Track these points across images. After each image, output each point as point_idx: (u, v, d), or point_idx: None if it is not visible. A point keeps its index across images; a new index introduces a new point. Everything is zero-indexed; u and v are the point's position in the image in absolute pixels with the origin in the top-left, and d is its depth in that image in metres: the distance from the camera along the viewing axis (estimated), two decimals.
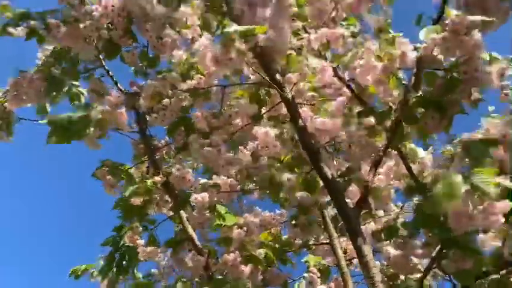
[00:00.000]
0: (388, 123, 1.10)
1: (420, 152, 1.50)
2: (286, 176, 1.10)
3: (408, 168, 1.19)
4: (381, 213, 1.59)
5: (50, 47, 1.69)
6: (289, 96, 1.09)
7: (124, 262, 1.56)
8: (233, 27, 1.04)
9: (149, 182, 1.37)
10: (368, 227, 1.43)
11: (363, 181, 1.06)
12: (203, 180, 1.46)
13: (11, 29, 1.53)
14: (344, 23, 1.49)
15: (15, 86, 1.61)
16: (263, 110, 1.22)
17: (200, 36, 1.22)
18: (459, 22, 0.96)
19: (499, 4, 1.13)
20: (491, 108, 1.52)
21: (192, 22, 1.26)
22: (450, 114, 1.09)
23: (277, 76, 1.15)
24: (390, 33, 1.08)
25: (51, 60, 1.70)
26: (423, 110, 1.09)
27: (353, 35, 1.38)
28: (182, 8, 1.29)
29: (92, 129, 1.49)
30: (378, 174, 1.31)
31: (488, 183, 0.90)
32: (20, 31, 1.54)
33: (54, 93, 1.67)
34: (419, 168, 1.44)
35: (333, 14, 1.37)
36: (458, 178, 0.90)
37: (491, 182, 0.91)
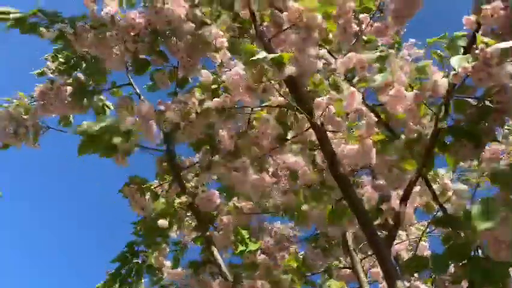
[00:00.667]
0: (417, 150, 1.10)
1: (440, 172, 1.48)
2: (315, 209, 1.10)
3: (435, 197, 1.17)
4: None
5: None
6: (318, 122, 1.10)
7: (129, 279, 1.59)
8: (263, 54, 1.07)
9: (176, 203, 1.39)
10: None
11: (395, 212, 1.06)
12: (229, 203, 1.48)
13: (42, 29, 1.60)
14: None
15: (43, 95, 1.67)
16: (290, 134, 1.23)
17: (230, 59, 1.25)
18: (490, 53, 0.96)
19: None
20: None
21: (220, 45, 1.30)
22: (482, 143, 1.08)
23: (306, 101, 1.16)
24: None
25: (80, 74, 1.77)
26: (454, 138, 1.09)
27: (379, 58, 1.40)
28: (213, 29, 1.33)
29: (120, 140, 1.53)
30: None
31: None
32: (49, 33, 1.62)
33: (81, 104, 1.72)
34: (441, 189, 1.42)
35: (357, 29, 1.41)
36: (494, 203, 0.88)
37: None
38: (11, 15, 1.65)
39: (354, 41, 1.50)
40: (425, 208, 1.61)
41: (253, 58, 1.07)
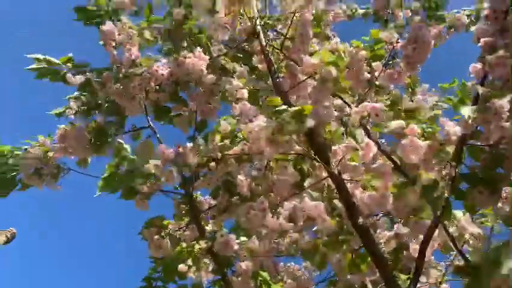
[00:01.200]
0: (434, 198, 1.13)
1: (457, 214, 1.50)
2: (335, 257, 1.13)
3: (453, 242, 1.19)
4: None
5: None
6: (336, 171, 1.15)
7: None
8: (284, 107, 1.14)
9: (196, 248, 1.43)
10: None
11: (416, 262, 1.08)
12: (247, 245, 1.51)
13: (69, 76, 1.71)
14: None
15: (63, 138, 1.75)
16: (307, 181, 1.28)
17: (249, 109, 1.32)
18: (499, 105, 1.01)
19: None
20: None
21: (240, 95, 1.38)
22: (499, 189, 1.11)
23: (322, 149, 1.22)
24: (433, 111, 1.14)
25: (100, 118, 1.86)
26: (470, 185, 1.12)
27: (392, 105, 1.47)
28: (234, 81, 1.42)
29: (140, 182, 1.59)
30: None
31: None
32: (75, 80, 1.72)
33: (101, 147, 1.80)
34: (458, 232, 1.43)
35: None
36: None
37: None
38: (43, 65, 1.78)
39: (367, 89, 1.57)
40: (443, 249, 1.61)
41: (276, 110, 1.14)
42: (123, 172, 1.65)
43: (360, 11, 2.17)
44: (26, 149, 1.67)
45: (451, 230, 1.40)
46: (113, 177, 1.64)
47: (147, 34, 1.69)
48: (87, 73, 1.76)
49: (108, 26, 1.61)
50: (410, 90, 1.91)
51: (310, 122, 1.10)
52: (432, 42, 1.38)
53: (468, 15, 1.95)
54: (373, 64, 1.48)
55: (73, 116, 1.86)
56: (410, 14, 1.35)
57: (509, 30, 1.20)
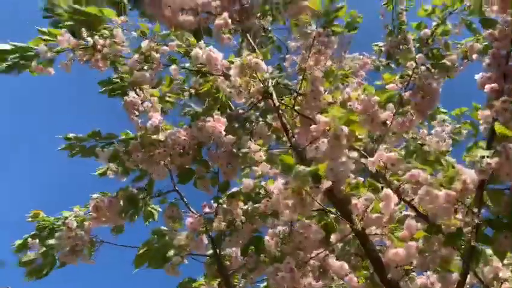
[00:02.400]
0: (460, 246, 1.15)
1: (488, 252, 1.48)
2: None
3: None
4: None
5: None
6: (359, 225, 1.20)
7: None
8: (300, 167, 1.21)
9: None
10: None
11: None
12: None
13: (98, 150, 1.84)
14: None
15: (96, 208, 1.86)
16: (333, 237, 1.32)
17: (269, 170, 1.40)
18: (510, 151, 1.05)
19: None
20: None
21: (258, 158, 1.46)
22: None
23: (344, 205, 1.27)
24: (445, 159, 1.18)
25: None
26: (495, 230, 1.14)
27: (407, 154, 1.52)
28: (251, 145, 1.51)
29: (172, 254, 1.67)
30: None
31: None
32: (104, 154, 1.86)
33: (131, 212, 1.90)
34: (492, 273, 1.41)
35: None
36: None
37: None
38: (73, 143, 1.94)
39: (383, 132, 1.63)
40: None
41: (293, 171, 1.21)
42: (156, 248, 1.72)
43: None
44: (63, 222, 1.80)
45: (485, 269, 1.39)
46: (148, 253, 1.72)
47: (169, 99, 1.84)
48: (115, 144, 1.89)
49: (131, 96, 1.77)
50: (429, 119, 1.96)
51: (327, 183, 1.16)
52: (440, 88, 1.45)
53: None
54: (383, 114, 1.54)
55: (112, 176, 1.98)
56: (416, 65, 1.43)
57: (511, 74, 1.27)
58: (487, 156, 1.12)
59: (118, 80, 2.00)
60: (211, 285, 1.99)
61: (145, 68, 1.70)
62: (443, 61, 1.51)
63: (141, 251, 1.65)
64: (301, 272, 1.30)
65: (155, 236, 1.70)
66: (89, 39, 1.76)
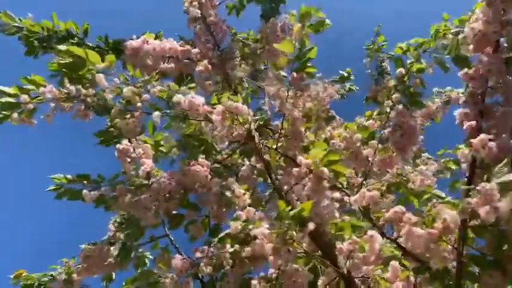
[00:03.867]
0: (447, 284, 1.15)
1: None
2: None
3: None
4: None
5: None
6: (345, 269, 1.19)
7: None
8: (285, 211, 1.21)
9: None
10: None
11: None
12: None
13: (85, 192, 1.82)
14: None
15: (87, 258, 1.84)
16: (320, 281, 1.31)
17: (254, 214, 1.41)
18: (490, 189, 1.07)
19: None
20: None
21: (242, 203, 1.47)
22: (509, 270, 1.13)
23: (330, 248, 1.27)
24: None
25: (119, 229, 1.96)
26: (479, 268, 1.14)
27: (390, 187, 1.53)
28: (235, 189, 1.52)
29: None
30: None
31: None
32: (91, 196, 1.84)
33: (124, 262, 1.87)
34: None
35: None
36: None
37: None
38: (62, 183, 1.94)
39: (367, 169, 1.66)
40: None
41: (278, 214, 1.21)
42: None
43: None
44: (51, 275, 1.77)
45: None
46: None
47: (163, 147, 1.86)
48: (102, 188, 1.89)
49: (123, 144, 1.79)
50: (413, 159, 1.99)
51: (311, 226, 1.17)
52: (419, 126, 1.49)
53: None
54: (365, 151, 1.57)
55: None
56: (392, 103, 1.47)
57: (489, 112, 1.30)
58: (467, 194, 1.13)
59: (111, 130, 2.01)
60: None
61: (127, 117, 1.72)
62: (418, 98, 1.55)
63: None
64: None
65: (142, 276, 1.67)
66: (72, 88, 1.79)
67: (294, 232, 1.18)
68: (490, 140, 1.18)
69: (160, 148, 2.02)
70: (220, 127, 1.64)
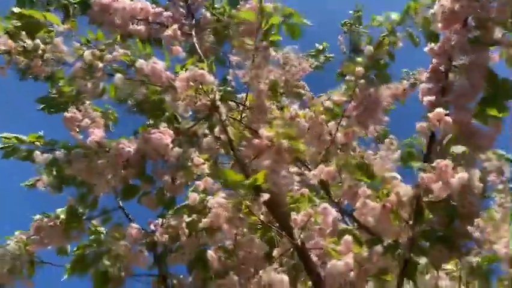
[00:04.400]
0: (397, 257, 1.17)
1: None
2: None
3: None
4: None
5: None
6: (299, 242, 1.19)
7: None
8: (240, 180, 1.19)
9: None
10: None
11: None
12: None
13: (36, 154, 1.74)
14: None
15: (39, 230, 1.76)
16: (275, 251, 1.31)
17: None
18: (444, 164, 1.08)
19: (483, 130, 1.28)
20: None
21: (201, 172, 1.44)
22: (457, 245, 1.16)
23: (286, 219, 1.26)
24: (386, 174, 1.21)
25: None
26: (429, 243, 1.16)
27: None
28: (194, 158, 1.48)
29: (109, 264, 1.58)
30: None
31: None
32: (43, 159, 1.75)
33: (75, 231, 1.80)
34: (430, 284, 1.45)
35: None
36: None
37: None
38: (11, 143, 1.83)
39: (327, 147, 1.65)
40: None
41: (234, 183, 1.18)
42: (92, 254, 1.65)
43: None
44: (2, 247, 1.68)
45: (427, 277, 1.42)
46: (82, 261, 1.64)
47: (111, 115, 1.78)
48: (56, 151, 1.80)
49: (71, 113, 1.70)
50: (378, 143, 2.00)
51: (266, 196, 1.15)
52: (384, 102, 1.49)
53: None
54: (329, 124, 1.56)
55: (43, 189, 1.87)
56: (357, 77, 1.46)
57: (450, 88, 1.31)
58: (421, 170, 1.14)
59: (56, 96, 1.91)
60: None
61: (88, 78, 1.64)
62: (385, 71, 1.56)
63: (75, 258, 1.57)
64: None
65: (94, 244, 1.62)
66: (29, 42, 1.68)
67: (249, 201, 1.16)
68: (446, 115, 1.19)
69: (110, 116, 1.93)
70: (184, 95, 1.59)
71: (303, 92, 2.00)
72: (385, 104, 1.77)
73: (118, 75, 1.74)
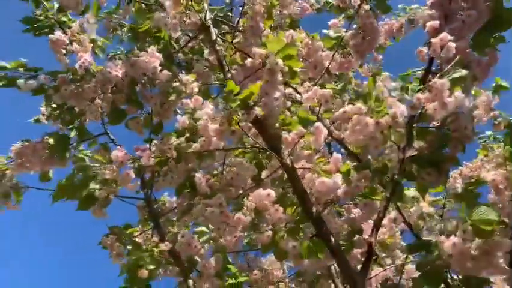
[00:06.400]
0: (384, 180, 1.17)
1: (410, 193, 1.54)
2: (290, 244, 1.15)
3: (406, 223, 1.24)
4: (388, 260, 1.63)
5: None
6: (288, 161, 1.17)
7: None
8: (231, 91, 1.15)
9: (156, 251, 1.43)
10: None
11: (367, 242, 1.12)
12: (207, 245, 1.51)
13: (20, 81, 1.67)
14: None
15: (19, 155, 1.72)
16: (264, 173, 1.30)
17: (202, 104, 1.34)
18: (440, 84, 1.05)
19: (480, 59, 1.25)
20: None
21: (191, 91, 1.39)
22: (445, 169, 1.16)
23: (276, 140, 1.24)
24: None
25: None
26: (418, 166, 1.16)
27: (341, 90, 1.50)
28: (183, 77, 1.42)
29: (97, 187, 1.57)
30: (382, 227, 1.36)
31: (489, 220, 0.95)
32: (28, 85, 1.68)
33: (61, 157, 1.76)
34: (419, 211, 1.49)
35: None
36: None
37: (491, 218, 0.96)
38: None
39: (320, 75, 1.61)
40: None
41: (224, 95, 1.15)
42: (79, 179, 1.63)
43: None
44: None
45: (413, 209, 1.46)
46: (69, 185, 1.62)
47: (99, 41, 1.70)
48: (40, 78, 1.72)
49: (57, 35, 1.61)
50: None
51: (256, 112, 1.12)
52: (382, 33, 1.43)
53: None
54: (323, 54, 1.51)
55: (46, 122, 1.82)
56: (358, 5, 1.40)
57: (453, 16, 1.26)
58: (418, 91, 1.12)
59: (43, 18, 1.80)
60: (146, 233, 1.93)
61: None
62: (385, 2, 1.49)
63: (62, 184, 1.55)
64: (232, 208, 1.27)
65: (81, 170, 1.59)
66: None
67: (239, 115, 1.13)
68: (449, 40, 1.15)
69: (98, 43, 1.84)
70: (173, 13, 1.50)
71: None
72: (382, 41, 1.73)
73: None
